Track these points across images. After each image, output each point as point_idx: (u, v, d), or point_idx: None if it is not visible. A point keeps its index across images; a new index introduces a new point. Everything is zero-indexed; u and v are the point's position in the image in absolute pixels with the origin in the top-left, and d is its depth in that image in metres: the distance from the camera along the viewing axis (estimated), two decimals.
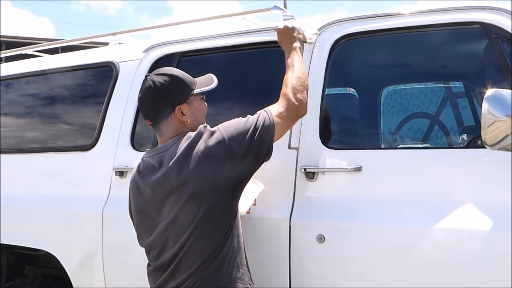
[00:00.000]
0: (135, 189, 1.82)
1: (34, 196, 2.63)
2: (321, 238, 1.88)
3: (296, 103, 1.82)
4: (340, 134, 2.33)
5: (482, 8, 1.88)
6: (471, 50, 2.10)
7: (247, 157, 1.69)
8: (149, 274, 1.82)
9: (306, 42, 2.11)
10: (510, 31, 1.80)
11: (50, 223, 2.53)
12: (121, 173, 2.37)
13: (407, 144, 2.97)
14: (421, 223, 1.78)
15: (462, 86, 2.97)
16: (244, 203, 1.91)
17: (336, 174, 1.95)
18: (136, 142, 2.42)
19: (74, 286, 2.47)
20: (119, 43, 2.94)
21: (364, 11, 2.14)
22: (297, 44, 2.02)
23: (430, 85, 3.66)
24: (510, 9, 1.84)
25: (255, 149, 1.70)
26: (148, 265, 1.82)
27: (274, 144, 1.99)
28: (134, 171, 1.86)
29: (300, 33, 2.07)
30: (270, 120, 1.73)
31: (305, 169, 1.97)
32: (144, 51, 2.54)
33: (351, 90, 2.94)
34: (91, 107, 2.70)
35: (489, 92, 1.57)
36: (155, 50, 2.52)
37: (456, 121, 2.98)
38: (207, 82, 1.86)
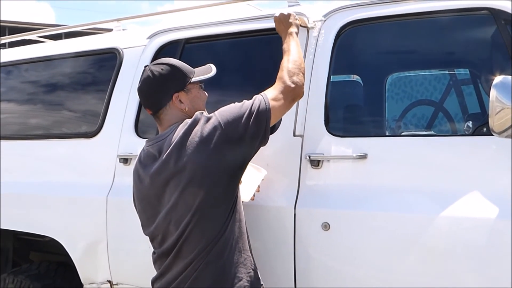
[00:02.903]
0: (137, 178, 1.84)
1: (39, 183, 2.64)
2: (326, 226, 1.88)
3: (292, 86, 1.81)
4: (345, 122, 2.32)
5: None
6: (478, 37, 2.07)
7: (244, 141, 1.70)
8: (154, 262, 1.83)
9: (304, 27, 2.09)
10: None
11: (55, 209, 2.55)
12: (125, 160, 2.37)
13: (412, 131, 2.96)
14: (426, 211, 1.77)
15: (468, 73, 2.94)
16: (247, 190, 1.91)
17: (341, 161, 1.94)
18: (140, 129, 2.41)
19: (79, 272, 2.49)
20: (123, 29, 2.92)
21: None
22: (293, 29, 2.01)
23: (435, 72, 3.63)
24: None
25: (251, 133, 1.70)
26: (153, 252, 1.84)
27: (279, 131, 1.99)
28: (136, 160, 1.88)
29: (296, 19, 2.05)
30: (265, 104, 1.73)
31: (310, 156, 1.96)
32: (148, 38, 2.52)
33: (356, 77, 2.92)
34: (95, 94, 2.69)
35: (498, 79, 1.55)
36: (159, 36, 2.50)
37: (461, 108, 2.96)
38: (206, 71, 1.88)
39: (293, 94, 1.82)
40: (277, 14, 2.07)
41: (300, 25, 2.08)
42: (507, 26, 1.78)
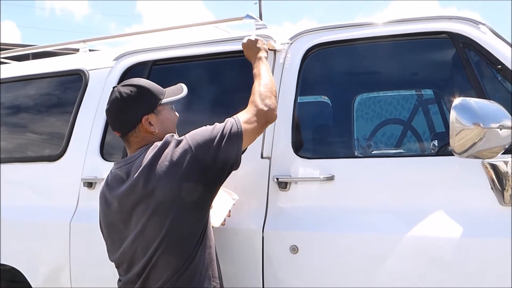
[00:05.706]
0: (104, 202, 1.79)
1: None
2: (294, 249, 1.86)
3: (265, 109, 1.80)
4: (313, 143, 2.33)
5: (450, 18, 1.92)
6: (439, 59, 2.13)
7: (215, 165, 1.67)
8: None
9: (273, 50, 2.11)
10: (476, 40, 1.84)
11: (15, 236, 2.45)
12: (89, 184, 2.31)
13: (380, 150, 3.00)
14: (393, 231, 1.79)
15: (432, 93, 3.02)
16: (218, 215, 1.88)
17: (309, 183, 1.95)
18: (105, 152, 2.36)
19: None
20: (90, 50, 2.89)
21: (332, 19, 2.15)
22: (262, 54, 2.02)
23: (403, 92, 3.71)
24: (475, 19, 1.88)
25: (222, 156, 1.67)
26: (119, 280, 1.78)
27: (246, 153, 1.98)
28: (103, 183, 1.83)
29: (264, 43, 2.07)
30: (238, 127, 1.72)
31: (277, 179, 1.95)
32: (114, 59, 2.50)
33: (325, 98, 2.96)
34: (60, 116, 2.63)
35: (457, 101, 1.59)
36: (126, 58, 2.48)
37: (428, 127, 3.02)
38: (177, 91, 1.84)
39: (265, 117, 1.81)
40: (244, 41, 2.07)
41: (269, 49, 2.10)
42: (465, 49, 1.84)
